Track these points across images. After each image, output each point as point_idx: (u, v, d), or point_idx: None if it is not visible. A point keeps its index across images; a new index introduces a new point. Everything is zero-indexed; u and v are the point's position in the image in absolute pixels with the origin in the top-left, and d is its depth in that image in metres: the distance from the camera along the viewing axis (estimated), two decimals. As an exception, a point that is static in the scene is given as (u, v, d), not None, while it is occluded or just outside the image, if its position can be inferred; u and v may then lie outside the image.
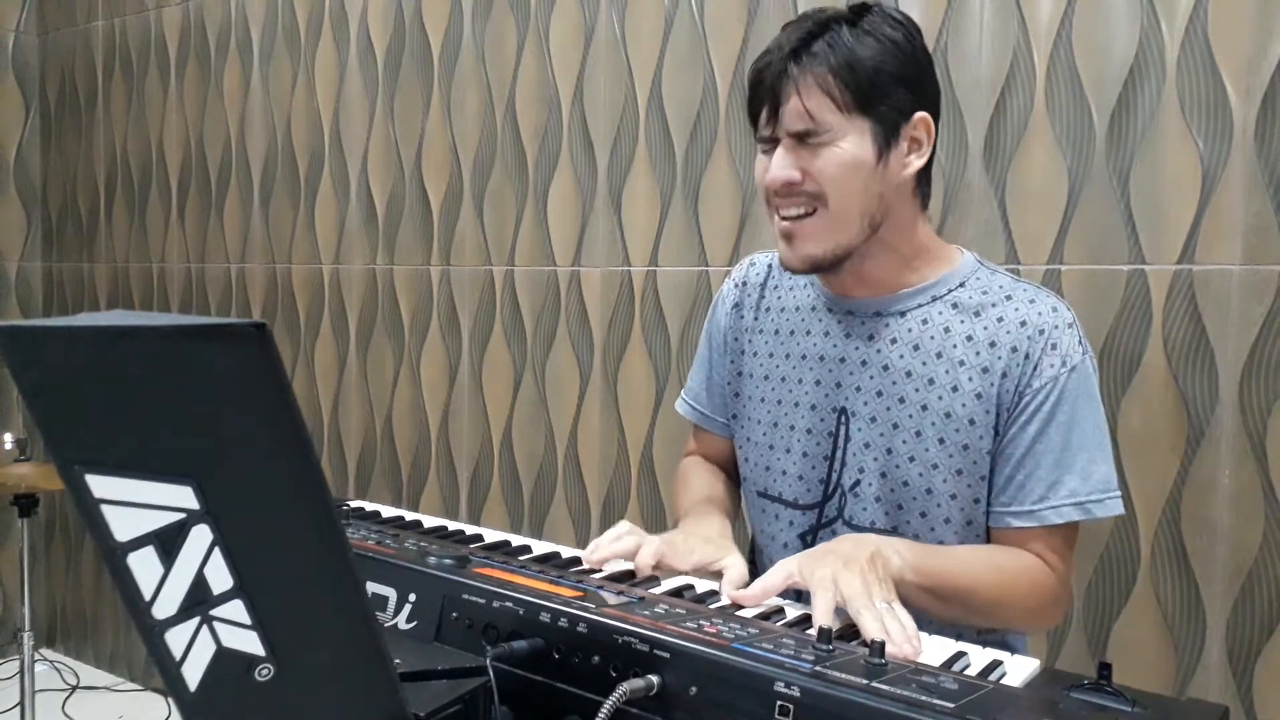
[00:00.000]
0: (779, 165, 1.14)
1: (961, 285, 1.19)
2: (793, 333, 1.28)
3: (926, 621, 1.21)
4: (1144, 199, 1.63)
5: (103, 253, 3.44)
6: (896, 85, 1.12)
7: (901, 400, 1.18)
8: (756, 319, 1.33)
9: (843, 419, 1.22)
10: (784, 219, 1.16)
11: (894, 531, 1.19)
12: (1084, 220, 1.68)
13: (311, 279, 2.83)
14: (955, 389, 1.15)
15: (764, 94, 1.14)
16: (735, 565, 1.11)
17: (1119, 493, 1.16)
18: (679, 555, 1.13)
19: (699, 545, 1.16)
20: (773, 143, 1.16)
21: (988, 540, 1.21)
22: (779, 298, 1.32)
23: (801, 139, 1.12)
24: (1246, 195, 1.56)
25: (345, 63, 2.72)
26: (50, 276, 3.64)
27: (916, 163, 1.16)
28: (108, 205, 3.41)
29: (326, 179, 2.78)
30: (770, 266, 1.35)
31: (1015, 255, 1.74)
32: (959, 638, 1.22)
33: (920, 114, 1.14)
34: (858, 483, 1.21)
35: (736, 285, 1.37)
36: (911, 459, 1.17)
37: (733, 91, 2.06)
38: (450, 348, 2.55)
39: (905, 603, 1.00)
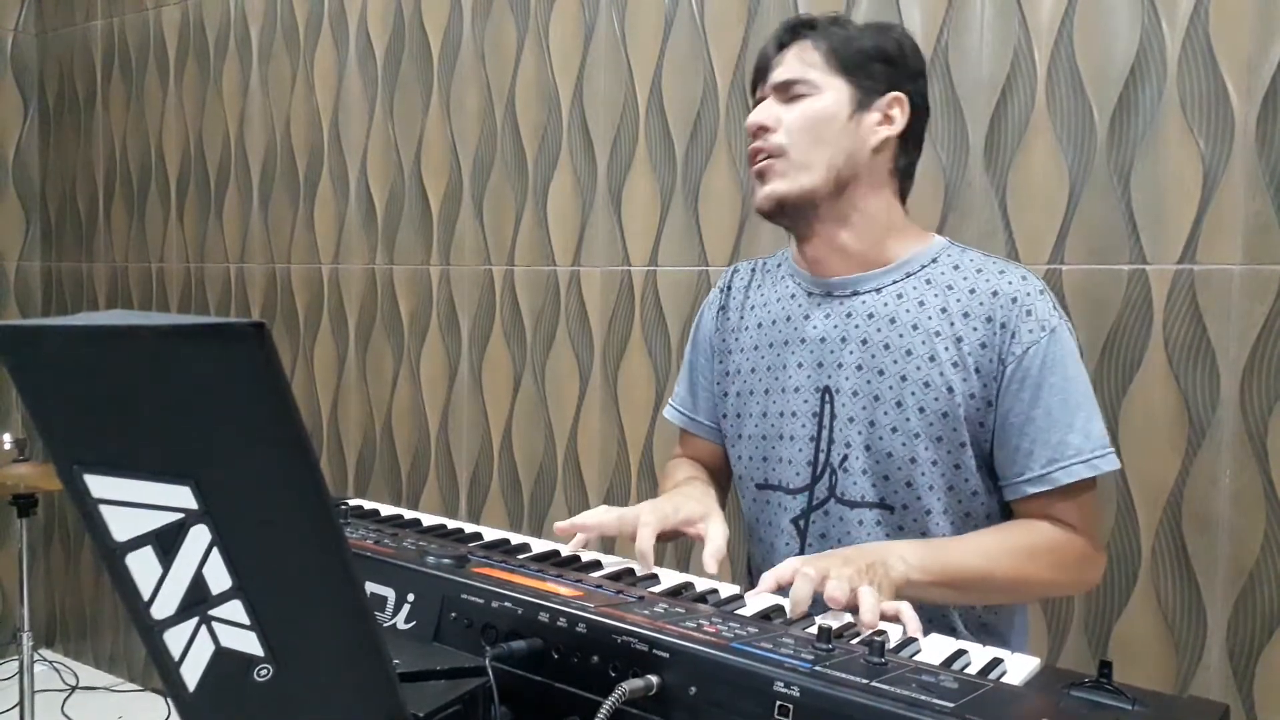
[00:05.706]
0: (757, 112, 1.26)
1: (934, 261, 1.25)
2: (774, 322, 1.32)
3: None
4: (1145, 199, 1.63)
5: (102, 252, 3.44)
6: (875, 60, 1.24)
7: (881, 373, 1.22)
8: (742, 318, 1.38)
9: (827, 397, 1.26)
10: (755, 161, 1.27)
11: (882, 504, 1.22)
12: (1085, 220, 1.68)
13: (311, 279, 2.83)
14: (932, 359, 1.19)
15: (761, 61, 1.29)
16: (715, 536, 1.15)
17: (1113, 448, 1.20)
18: (665, 517, 1.18)
19: (684, 503, 1.22)
20: (762, 103, 1.28)
21: (986, 509, 1.23)
22: (762, 295, 1.36)
23: (784, 91, 1.24)
24: (1247, 195, 1.56)
25: (344, 62, 2.71)
26: (49, 276, 3.63)
27: (884, 133, 1.24)
28: (106, 205, 3.41)
29: (326, 179, 2.77)
30: (754, 270, 1.41)
31: (1016, 255, 1.74)
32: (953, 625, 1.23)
33: (896, 93, 1.24)
34: (845, 458, 1.24)
35: (721, 290, 1.43)
36: (894, 429, 1.20)
37: (733, 91, 2.06)
38: (450, 348, 2.54)
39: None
